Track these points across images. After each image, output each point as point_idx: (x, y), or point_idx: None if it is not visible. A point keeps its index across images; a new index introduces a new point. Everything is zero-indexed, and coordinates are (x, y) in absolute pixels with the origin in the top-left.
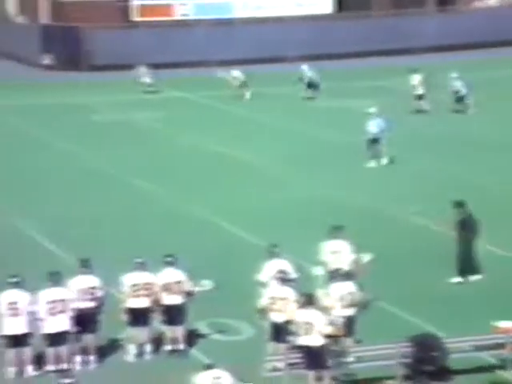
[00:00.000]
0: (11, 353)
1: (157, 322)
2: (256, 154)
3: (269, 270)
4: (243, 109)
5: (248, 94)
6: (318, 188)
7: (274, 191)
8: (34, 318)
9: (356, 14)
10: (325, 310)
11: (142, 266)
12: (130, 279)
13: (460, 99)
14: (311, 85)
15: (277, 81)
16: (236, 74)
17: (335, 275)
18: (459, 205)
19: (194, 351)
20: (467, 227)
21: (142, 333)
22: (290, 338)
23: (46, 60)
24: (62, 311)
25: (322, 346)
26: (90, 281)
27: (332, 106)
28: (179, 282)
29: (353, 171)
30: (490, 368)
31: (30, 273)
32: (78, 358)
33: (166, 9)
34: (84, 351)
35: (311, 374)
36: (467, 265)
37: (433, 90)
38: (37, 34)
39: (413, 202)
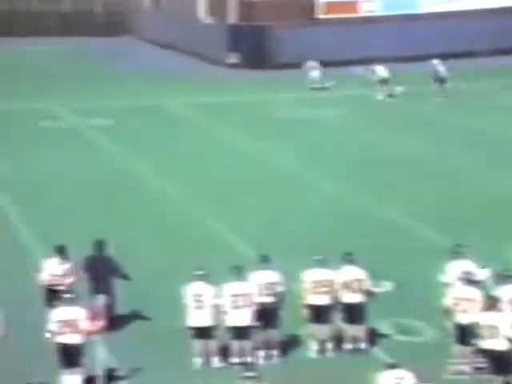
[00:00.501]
0: (198, 344)
1: (338, 320)
2: (446, 151)
3: (453, 270)
4: (433, 108)
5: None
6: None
7: (463, 190)
8: (218, 311)
9: None
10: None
11: (322, 263)
12: (310, 276)
13: None
14: None
15: (471, 76)
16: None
17: (504, 277)
18: None
19: (376, 350)
20: None
21: (322, 330)
22: (475, 341)
23: (232, 59)
24: (245, 305)
25: (509, 351)
26: (270, 276)
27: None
28: (359, 280)
29: None
30: None
31: (214, 266)
32: (262, 353)
33: (351, 6)
34: (267, 346)
35: (497, 379)
36: None
37: None
38: (224, 33)
39: None
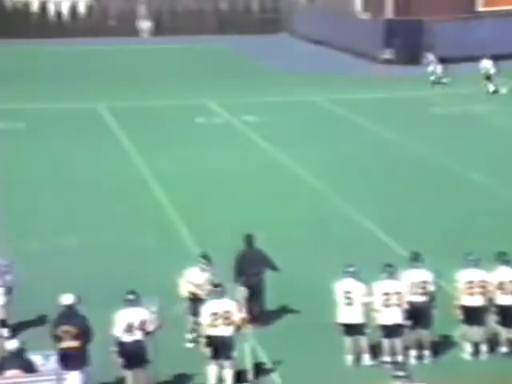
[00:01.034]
0: (348, 341)
1: (492, 322)
2: None
3: None
4: None
5: None
6: None
7: None
8: (369, 309)
9: None
10: None
11: (476, 263)
12: (464, 276)
13: None
14: None
15: None
16: None
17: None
18: None
19: None
20: None
21: (476, 331)
22: None
23: (387, 55)
24: (396, 304)
25: None
26: (422, 275)
27: None
28: None
29: None
30: None
31: (365, 263)
32: (413, 352)
33: None
34: (418, 345)
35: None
36: None
37: None
38: (379, 28)
39: None
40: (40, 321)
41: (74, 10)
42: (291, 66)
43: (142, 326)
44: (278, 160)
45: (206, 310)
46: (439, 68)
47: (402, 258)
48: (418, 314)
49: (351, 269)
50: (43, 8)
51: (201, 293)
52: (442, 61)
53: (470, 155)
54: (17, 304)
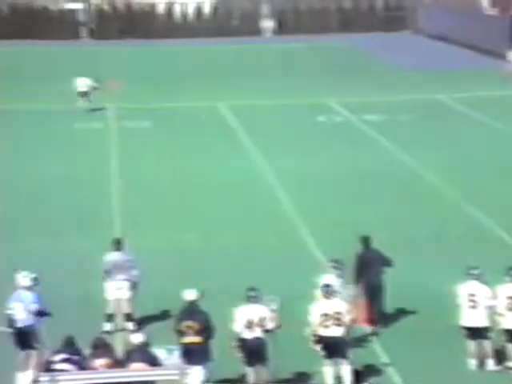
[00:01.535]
0: (472, 345)
1: None
2: None
3: None
4: None
5: None
6: None
7: None
8: (493, 312)
9: None
10: None
11: None
12: None
13: None
14: None
15: None
16: None
17: None
18: None
19: None
20: None
21: None
22: None
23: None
24: None
25: None
26: None
27: None
28: None
29: None
30: None
31: (490, 266)
32: None
33: None
34: None
35: None
36: None
37: None
38: (507, 25)
39: None
40: (163, 315)
41: (199, 10)
42: (415, 63)
43: (261, 323)
44: (399, 160)
45: (317, 311)
46: None
47: None
48: None
49: (476, 271)
50: (169, 9)
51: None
52: None
53: None
54: (141, 298)
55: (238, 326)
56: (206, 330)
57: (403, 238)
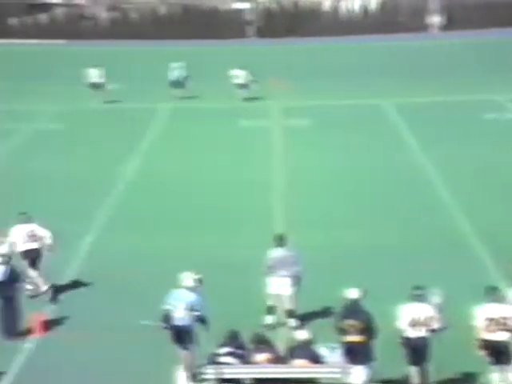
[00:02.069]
0: None
1: None
2: None
3: None
4: None
5: None
6: None
7: None
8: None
9: None
10: None
11: None
12: None
13: None
14: None
15: None
16: None
17: None
18: None
19: None
20: None
21: None
22: None
23: None
24: None
25: None
26: None
27: None
28: None
29: None
30: None
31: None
32: None
33: None
34: None
35: None
36: None
37: None
38: None
39: None
40: (325, 313)
41: (365, 7)
42: None
43: (427, 323)
44: None
45: (482, 314)
46: None
47: None
48: None
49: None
50: (335, 7)
51: None
52: None
53: None
54: (303, 295)
55: (403, 324)
56: (369, 330)
57: None
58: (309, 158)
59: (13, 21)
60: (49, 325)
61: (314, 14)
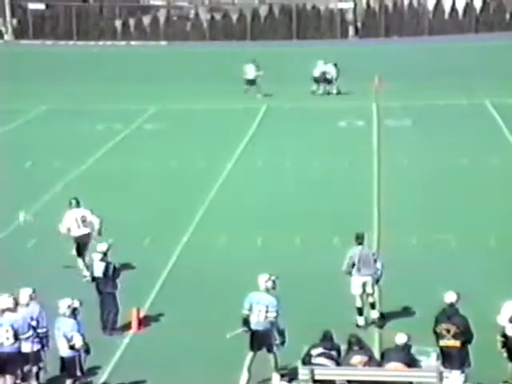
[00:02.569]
0: None
1: None
2: None
3: None
4: None
5: None
6: None
7: None
8: None
9: None
10: None
11: None
12: None
13: None
14: None
15: None
16: None
17: None
18: None
19: None
20: None
21: None
22: None
23: None
24: None
25: None
26: None
27: None
28: None
29: None
30: None
31: None
32: None
33: None
34: None
35: None
36: None
37: None
38: None
39: None
40: (422, 315)
41: (469, 5)
42: None
43: None
44: None
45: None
46: None
47: None
48: None
49: None
50: (437, 5)
51: None
52: None
53: None
54: (401, 297)
55: (503, 320)
56: (465, 334)
57: None
58: (406, 159)
59: (118, 23)
60: (146, 321)
61: (416, 13)
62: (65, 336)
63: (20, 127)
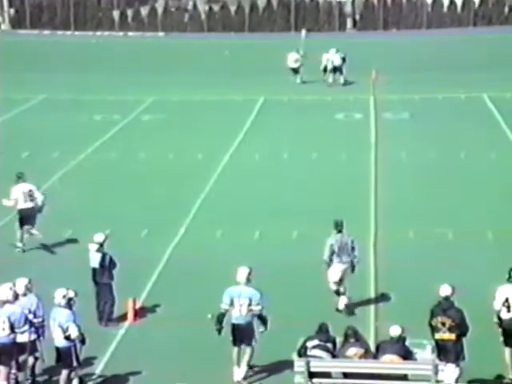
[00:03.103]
0: None
1: None
2: None
3: None
4: None
5: None
6: None
7: None
8: None
9: None
10: None
11: None
12: None
13: None
14: None
15: None
16: None
17: None
18: None
19: None
20: None
21: None
22: None
23: None
24: None
25: None
26: None
27: None
28: None
29: None
30: None
31: None
32: None
33: None
34: None
35: None
36: None
37: None
38: None
39: None
40: (418, 309)
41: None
42: None
43: None
44: None
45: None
46: None
47: None
48: None
49: None
50: (435, 0)
51: None
52: None
53: None
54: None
55: (497, 305)
56: (460, 327)
57: None
58: (403, 151)
59: (116, 13)
60: (142, 312)
61: (415, 6)
62: (60, 326)
63: (17, 117)
